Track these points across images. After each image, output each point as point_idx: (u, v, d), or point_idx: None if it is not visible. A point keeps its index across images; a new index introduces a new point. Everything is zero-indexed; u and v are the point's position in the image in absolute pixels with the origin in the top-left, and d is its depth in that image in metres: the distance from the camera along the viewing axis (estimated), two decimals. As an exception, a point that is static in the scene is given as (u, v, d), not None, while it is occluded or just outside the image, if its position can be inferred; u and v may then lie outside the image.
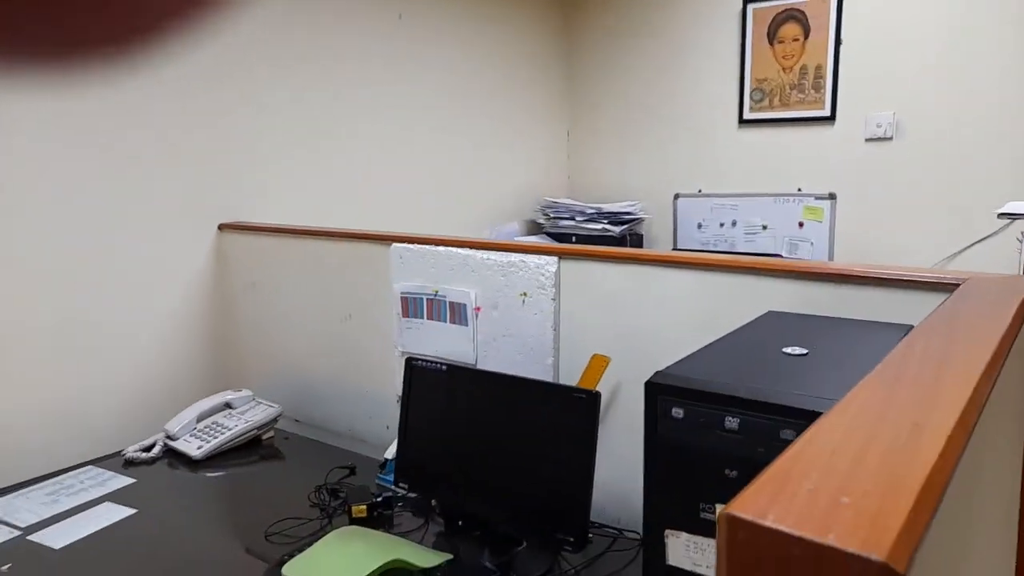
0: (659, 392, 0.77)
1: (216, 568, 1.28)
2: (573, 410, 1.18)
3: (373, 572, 1.13)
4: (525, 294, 1.47)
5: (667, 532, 0.79)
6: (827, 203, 2.82)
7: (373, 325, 1.80)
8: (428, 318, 1.64)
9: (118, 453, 1.78)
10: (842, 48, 2.75)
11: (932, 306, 0.93)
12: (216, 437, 1.75)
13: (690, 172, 3.19)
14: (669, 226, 3.23)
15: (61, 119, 1.76)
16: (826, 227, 2.84)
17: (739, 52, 2.99)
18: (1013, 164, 2.53)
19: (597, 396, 1.17)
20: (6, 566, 1.28)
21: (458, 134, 2.92)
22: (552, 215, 3.17)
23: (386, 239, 1.74)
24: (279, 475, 1.69)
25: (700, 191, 3.15)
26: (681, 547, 0.78)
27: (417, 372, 1.39)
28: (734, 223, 3.05)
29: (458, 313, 1.58)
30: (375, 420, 1.84)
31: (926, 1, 2.60)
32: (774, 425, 0.70)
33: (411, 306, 1.67)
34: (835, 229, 2.81)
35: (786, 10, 2.83)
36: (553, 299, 1.44)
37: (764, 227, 2.97)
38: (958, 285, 0.95)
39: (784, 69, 2.87)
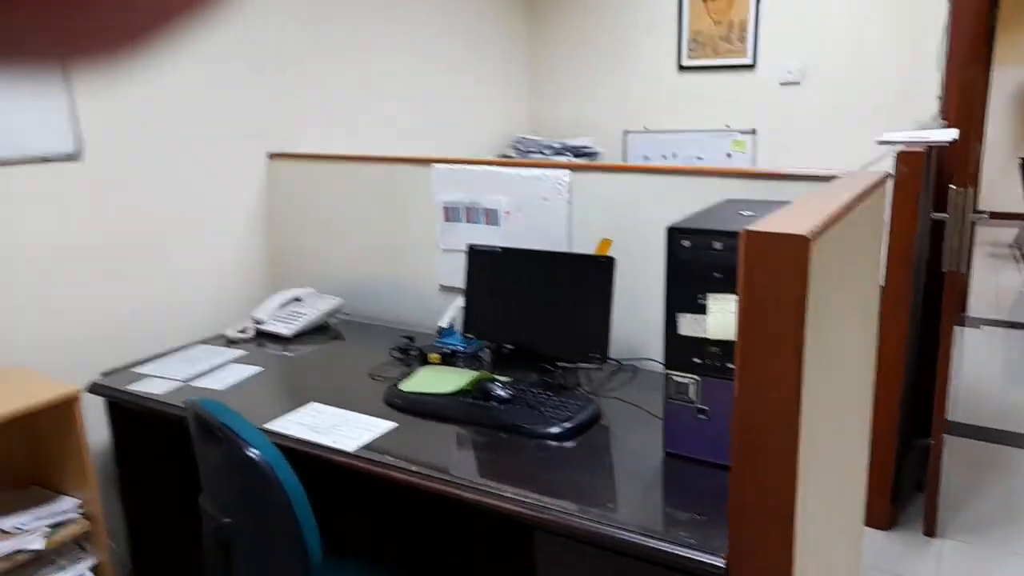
0: (676, 232, 1.34)
1: (349, 390, 1.81)
2: (597, 271, 1.75)
3: (472, 381, 1.68)
4: (546, 199, 2.02)
5: (677, 314, 1.37)
6: (750, 137, 3.45)
7: (416, 230, 2.31)
8: (467, 221, 2.17)
9: (217, 336, 2.25)
10: (761, 5, 3.34)
11: (818, 190, 1.53)
12: (299, 319, 2.25)
13: (637, 112, 3.76)
14: (619, 159, 3.80)
15: (140, 86, 2.17)
16: (749, 157, 3.48)
17: (677, 7, 3.54)
18: (892, 103, 3.21)
19: (613, 260, 1.74)
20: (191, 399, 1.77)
21: (444, 78, 3.38)
22: (523, 149, 3.69)
23: (427, 161, 2.24)
24: (355, 345, 2.20)
25: (645, 128, 3.73)
26: (687, 323, 1.37)
27: (477, 255, 1.93)
28: (674, 155, 3.66)
29: (491, 216, 2.12)
30: (419, 307, 2.36)
31: (828, -31, 3.21)
32: (736, 244, 1.28)
33: (451, 213, 2.19)
34: (756, 158, 3.46)
35: (717, -26, 3.39)
36: (568, 202, 1.99)
37: (699, 158, 3.58)
38: (835, 177, 1.56)
39: (715, 23, 3.45)
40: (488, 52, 3.67)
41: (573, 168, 1.98)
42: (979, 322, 4.69)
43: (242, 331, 2.24)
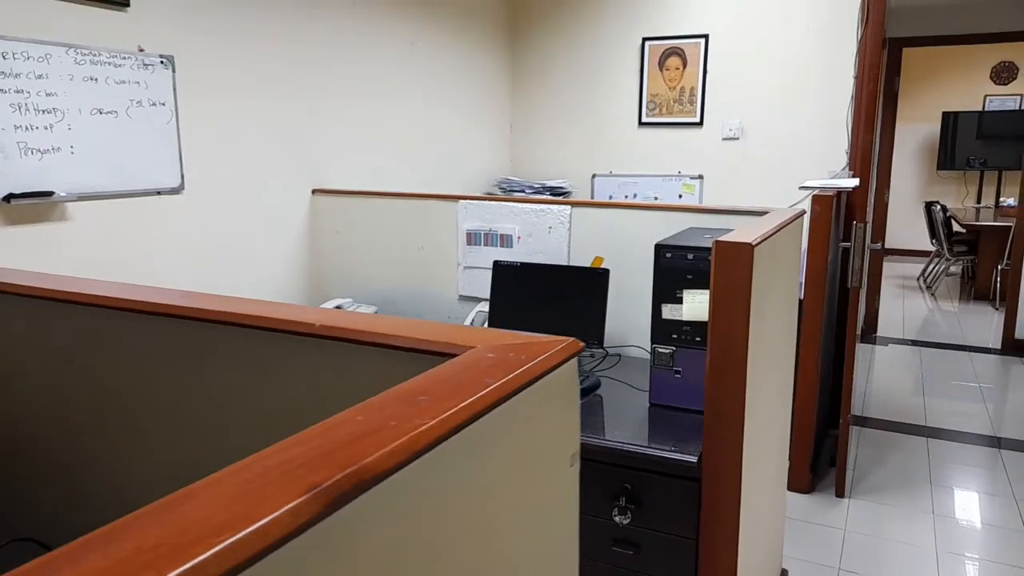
0: (661, 247, 1.95)
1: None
2: (596, 280, 2.35)
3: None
4: (550, 228, 2.62)
5: (662, 304, 1.97)
6: (698, 181, 4.15)
7: (441, 251, 2.87)
8: (484, 245, 2.75)
9: (278, 335, 2.75)
10: (708, 76, 4.07)
11: (755, 220, 2.17)
12: (346, 322, 2.77)
13: (602, 158, 4.43)
14: (588, 197, 4.45)
15: (238, 124, 2.70)
16: (697, 197, 4.17)
17: (639, 74, 4.25)
18: (811, 155, 3.95)
19: (608, 271, 2.35)
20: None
21: (441, 126, 3.98)
22: (507, 188, 4.30)
23: (454, 198, 2.82)
24: (392, 342, 2.74)
25: (611, 172, 4.40)
26: (668, 310, 1.97)
27: (500, 268, 2.51)
28: (635, 195, 4.33)
29: (506, 240, 2.70)
30: (441, 314, 2.91)
31: (761, 48, 3.96)
32: (705, 255, 1.90)
33: (472, 238, 2.77)
34: (703, 198, 4.15)
35: (671, 48, 4.12)
36: (568, 229, 2.60)
37: (656, 198, 4.26)
38: (767, 212, 2.20)
39: (670, 88, 4.16)
40: (477, 106, 4.30)
41: (573, 204, 2.59)
42: (887, 340, 5.49)
43: (300, 330, 2.75)
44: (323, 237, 3.10)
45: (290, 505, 0.39)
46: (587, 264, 2.57)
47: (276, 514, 0.38)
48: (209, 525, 0.37)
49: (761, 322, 1.75)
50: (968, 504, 3.08)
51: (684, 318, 1.94)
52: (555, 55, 4.47)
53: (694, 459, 1.72)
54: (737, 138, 4.07)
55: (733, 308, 1.52)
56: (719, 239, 1.53)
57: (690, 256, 1.93)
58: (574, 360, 0.71)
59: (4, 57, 1.97)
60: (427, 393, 0.53)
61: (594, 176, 4.42)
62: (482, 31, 4.29)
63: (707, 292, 1.87)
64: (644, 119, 4.27)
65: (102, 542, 0.36)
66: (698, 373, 1.96)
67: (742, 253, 1.50)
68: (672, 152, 4.23)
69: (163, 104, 2.42)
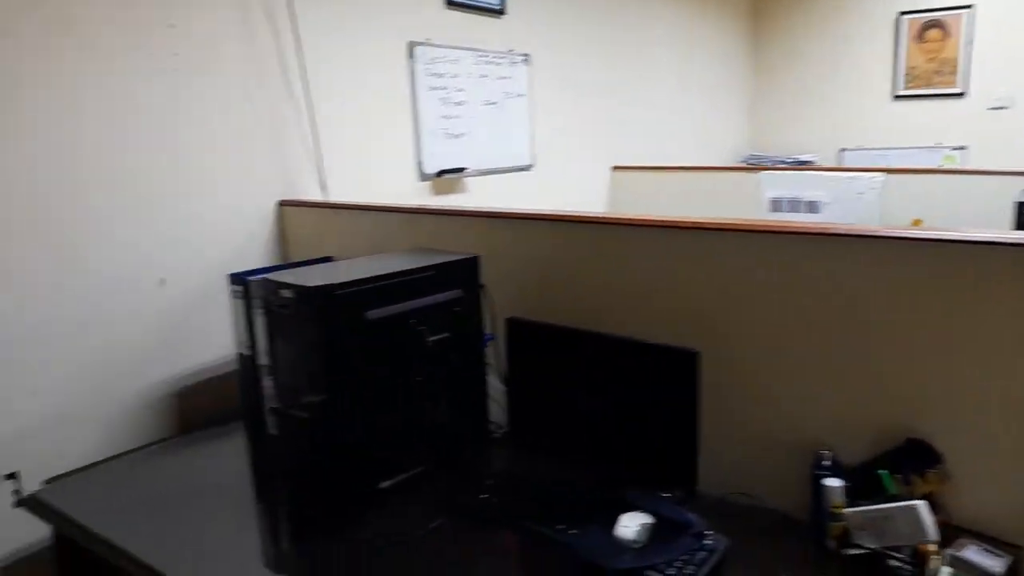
0: (1021, 205, 2.13)
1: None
2: (920, 238, 2.54)
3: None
4: (861, 193, 2.83)
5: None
6: (959, 152, 4.15)
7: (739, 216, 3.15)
8: (789, 212, 3.01)
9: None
10: (973, 46, 4.06)
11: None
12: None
13: (850, 133, 4.52)
14: (835, 172, 4.55)
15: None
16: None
17: (893, 47, 4.30)
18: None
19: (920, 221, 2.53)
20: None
21: (690, 109, 4.26)
22: (755, 163, 4.51)
23: (753, 169, 3.09)
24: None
25: (860, 146, 4.48)
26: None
27: (819, 230, 2.76)
28: (887, 168, 4.39)
29: (812, 206, 2.95)
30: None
31: (1032, 14, 3.90)
32: None
33: (776, 205, 3.03)
34: (964, 169, 4.14)
35: (931, 20, 4.14)
36: (879, 195, 2.80)
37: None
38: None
39: (928, 60, 4.19)
40: (719, 88, 4.54)
41: (888, 171, 2.79)
42: None
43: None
44: (622, 207, 3.49)
45: None
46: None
47: None
48: None
49: None
50: None
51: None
52: (799, 35, 4.60)
53: None
54: (1006, 107, 4.03)
55: None
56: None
57: None
58: None
59: (434, 61, 2.48)
60: None
61: (841, 151, 4.52)
62: (724, 15, 4.52)
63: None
64: (900, 92, 4.32)
65: None
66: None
67: None
68: (928, 124, 4.25)
69: (523, 96, 2.88)
